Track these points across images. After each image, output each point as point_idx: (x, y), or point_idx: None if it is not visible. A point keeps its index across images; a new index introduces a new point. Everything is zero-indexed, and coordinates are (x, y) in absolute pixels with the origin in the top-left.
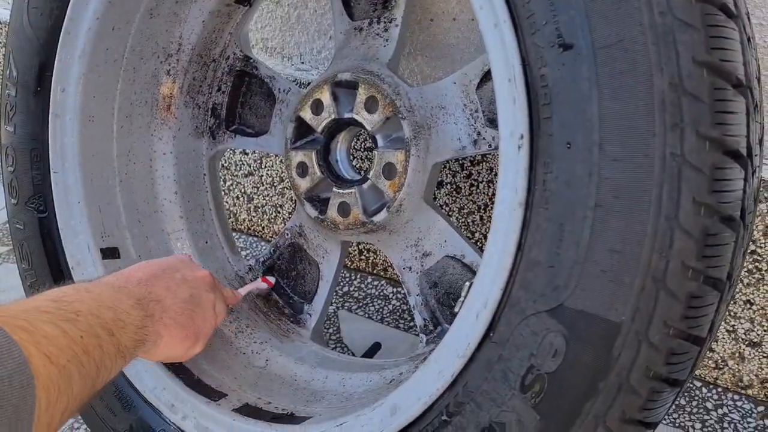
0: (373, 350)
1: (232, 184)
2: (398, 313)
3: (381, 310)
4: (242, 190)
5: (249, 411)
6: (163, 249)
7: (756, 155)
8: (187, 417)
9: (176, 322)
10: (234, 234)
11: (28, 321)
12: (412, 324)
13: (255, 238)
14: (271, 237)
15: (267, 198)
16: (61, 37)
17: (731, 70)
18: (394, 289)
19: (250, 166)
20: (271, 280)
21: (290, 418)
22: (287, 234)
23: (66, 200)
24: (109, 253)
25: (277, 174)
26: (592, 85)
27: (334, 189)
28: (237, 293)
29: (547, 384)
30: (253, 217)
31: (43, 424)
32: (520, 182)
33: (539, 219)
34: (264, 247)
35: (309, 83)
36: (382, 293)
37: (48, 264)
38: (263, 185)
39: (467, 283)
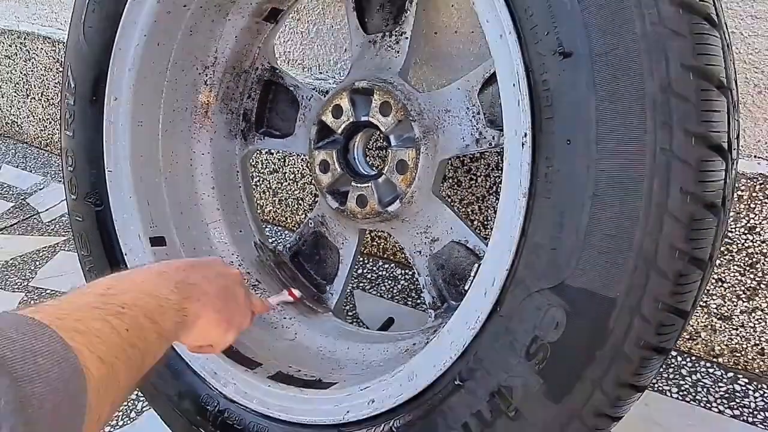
0: (387, 324)
1: (258, 180)
2: (406, 292)
3: (391, 289)
4: (268, 186)
5: (282, 378)
6: (203, 238)
7: (734, 149)
8: (228, 384)
9: (213, 305)
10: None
11: (82, 321)
12: (418, 301)
13: (279, 228)
14: (294, 226)
15: (290, 192)
16: (113, 52)
17: (715, 73)
18: (402, 271)
19: (274, 164)
20: (297, 294)
21: (319, 384)
22: (310, 223)
23: (119, 195)
24: (157, 242)
25: (298, 171)
26: (589, 89)
27: (353, 183)
28: (266, 302)
29: (549, 352)
30: (278, 209)
31: (92, 422)
32: (524, 175)
33: (542, 207)
34: (288, 236)
35: (327, 91)
36: (392, 275)
37: (104, 251)
38: (286, 181)
39: (476, 265)
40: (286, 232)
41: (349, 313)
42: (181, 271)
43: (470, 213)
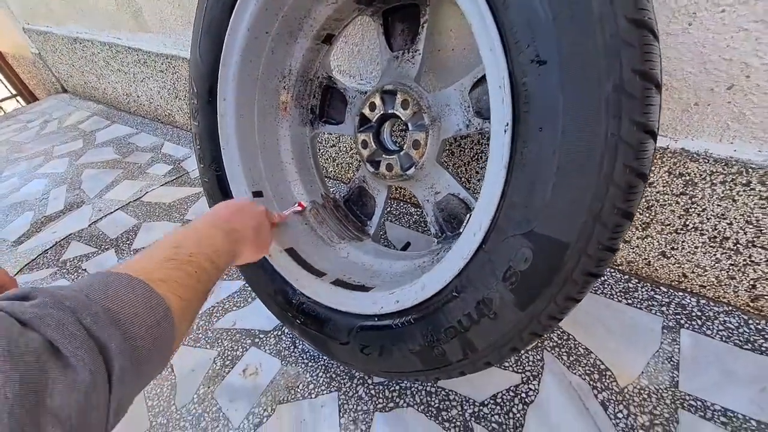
0: (405, 247)
1: (323, 151)
2: (418, 224)
3: (409, 220)
4: (329, 155)
5: (339, 283)
6: (287, 190)
7: (656, 133)
8: (305, 286)
9: (252, 242)
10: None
11: (163, 271)
12: (426, 230)
13: (337, 181)
14: (346, 180)
15: (343, 159)
16: (220, 67)
17: (654, 75)
18: (415, 210)
19: (333, 141)
20: (304, 203)
21: (363, 288)
22: (356, 181)
23: (231, 164)
24: (257, 194)
25: (348, 145)
26: (558, 89)
27: (383, 156)
28: (282, 214)
29: (520, 277)
30: (336, 169)
31: (178, 338)
32: (505, 153)
33: (518, 177)
34: (342, 187)
35: (366, 92)
36: (408, 212)
37: (224, 200)
38: (341, 152)
39: (468, 215)
40: (341, 184)
41: (382, 238)
42: (227, 221)
43: (458, 173)
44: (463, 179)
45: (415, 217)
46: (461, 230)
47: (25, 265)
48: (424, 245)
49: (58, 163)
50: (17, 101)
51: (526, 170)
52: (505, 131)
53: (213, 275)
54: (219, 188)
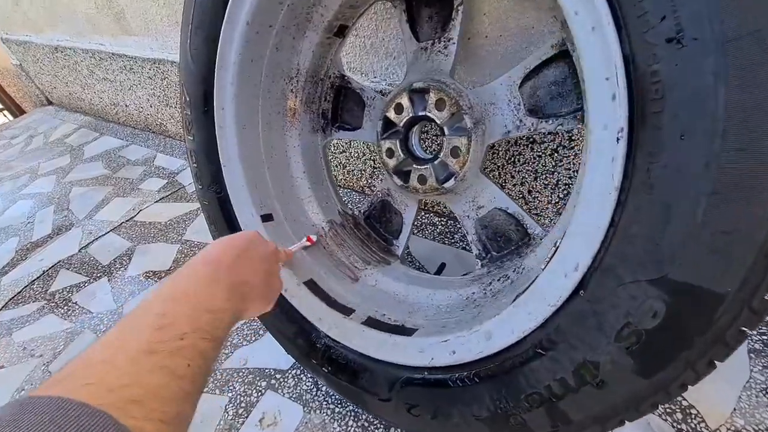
0: (441, 268)
1: (332, 158)
2: (443, 234)
3: (433, 232)
4: (339, 161)
5: (372, 323)
6: (300, 210)
7: None
8: (331, 328)
9: (260, 295)
10: None
11: (137, 381)
12: (453, 240)
13: (348, 190)
14: (358, 189)
15: (354, 166)
16: (216, 70)
17: None
18: (439, 219)
19: (343, 147)
20: (313, 238)
21: (402, 330)
22: (379, 194)
23: (234, 184)
24: (266, 218)
25: (360, 151)
26: (715, 79)
27: (413, 166)
28: (288, 251)
29: (644, 337)
30: (347, 177)
31: None
32: (617, 169)
33: (639, 201)
34: (354, 196)
35: (382, 91)
36: (431, 222)
37: (227, 226)
38: (352, 158)
39: (553, 248)
40: (353, 193)
41: (408, 259)
42: (232, 271)
43: (491, 177)
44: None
45: (439, 228)
46: (543, 267)
47: (10, 299)
48: (452, 257)
49: (44, 182)
50: (4, 115)
51: (654, 193)
52: (618, 140)
53: (211, 356)
54: (221, 212)
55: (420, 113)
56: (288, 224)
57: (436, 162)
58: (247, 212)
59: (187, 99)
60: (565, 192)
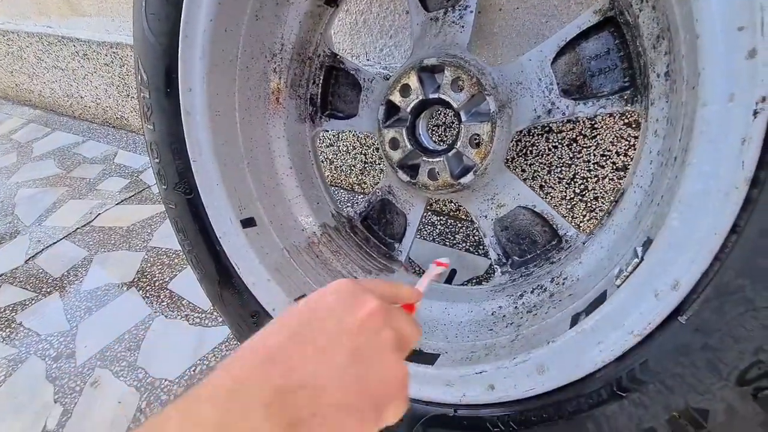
0: (451, 276)
1: (318, 152)
2: (443, 235)
3: (432, 232)
4: (326, 156)
5: None
6: (287, 213)
7: None
8: None
9: (340, 406)
10: None
11: None
12: (455, 241)
13: (335, 188)
14: (347, 187)
15: (343, 161)
16: (180, 41)
17: None
18: (438, 218)
19: (330, 139)
20: (446, 261)
21: (421, 356)
22: (378, 192)
23: (207, 184)
24: (247, 223)
25: (349, 144)
26: None
27: (423, 158)
28: (417, 289)
29: None
30: (334, 173)
31: None
32: (750, 155)
33: None
34: (342, 194)
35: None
36: (429, 221)
37: (200, 235)
38: (340, 152)
39: (635, 259)
40: (341, 190)
41: (413, 265)
42: (275, 366)
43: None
44: None
45: (438, 228)
46: (618, 283)
47: None
48: (455, 261)
49: None
50: None
51: None
52: (755, 114)
53: None
54: (192, 217)
55: (432, 95)
56: (273, 230)
57: (450, 153)
58: (224, 217)
59: (144, 78)
60: (582, 187)
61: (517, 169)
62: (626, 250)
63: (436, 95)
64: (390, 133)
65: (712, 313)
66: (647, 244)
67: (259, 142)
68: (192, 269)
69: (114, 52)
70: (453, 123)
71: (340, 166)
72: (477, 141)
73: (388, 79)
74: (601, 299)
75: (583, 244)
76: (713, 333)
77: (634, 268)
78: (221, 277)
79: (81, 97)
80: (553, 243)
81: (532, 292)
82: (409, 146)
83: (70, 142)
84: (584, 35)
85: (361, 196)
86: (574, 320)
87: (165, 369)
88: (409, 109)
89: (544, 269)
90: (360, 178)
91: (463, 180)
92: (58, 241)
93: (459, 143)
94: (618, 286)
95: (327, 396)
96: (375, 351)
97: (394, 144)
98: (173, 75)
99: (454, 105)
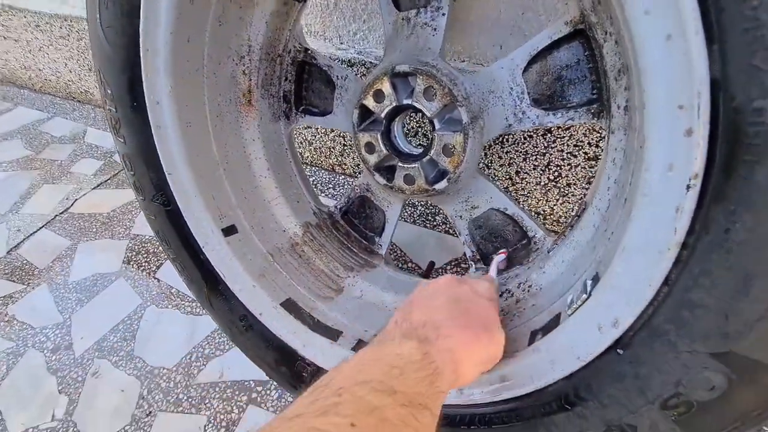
0: (430, 268)
1: (296, 134)
2: (424, 217)
3: (413, 214)
4: (304, 137)
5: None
6: (268, 216)
7: None
8: (317, 355)
9: (456, 326)
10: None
11: None
12: (435, 223)
13: (315, 168)
14: (327, 168)
15: (322, 143)
16: (141, 56)
17: None
18: (419, 201)
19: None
20: (504, 251)
21: None
22: (357, 189)
23: (184, 196)
24: (229, 231)
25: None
26: None
27: (399, 164)
28: (489, 277)
29: (695, 409)
30: (314, 154)
31: None
32: (681, 224)
33: (709, 265)
34: (323, 175)
35: (349, 61)
36: (410, 202)
37: (182, 244)
38: (318, 134)
39: (584, 295)
40: (322, 171)
41: (391, 249)
42: (400, 322)
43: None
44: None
45: (419, 209)
46: (570, 312)
47: None
48: (435, 243)
49: None
50: None
51: (732, 259)
52: (688, 188)
53: (401, 418)
54: (173, 228)
55: (405, 101)
56: (255, 234)
57: (424, 160)
58: (205, 228)
59: (108, 91)
60: (556, 174)
61: (494, 156)
62: (583, 271)
63: (409, 101)
64: (365, 137)
65: (643, 349)
66: (596, 280)
67: (234, 147)
68: (178, 274)
69: (69, 26)
70: (427, 128)
71: (320, 148)
72: (450, 150)
73: (361, 76)
74: (555, 322)
75: (548, 253)
76: (643, 365)
77: (583, 303)
78: (208, 283)
79: (40, 70)
80: (524, 242)
81: (501, 295)
82: (384, 150)
83: (35, 118)
84: (555, 45)
85: (342, 177)
86: (533, 337)
87: (162, 358)
88: (383, 115)
89: (512, 271)
90: (340, 159)
91: (437, 186)
92: (38, 230)
93: (432, 151)
94: (569, 315)
95: (444, 324)
96: (463, 296)
97: (370, 148)
98: (137, 87)
99: (427, 114)
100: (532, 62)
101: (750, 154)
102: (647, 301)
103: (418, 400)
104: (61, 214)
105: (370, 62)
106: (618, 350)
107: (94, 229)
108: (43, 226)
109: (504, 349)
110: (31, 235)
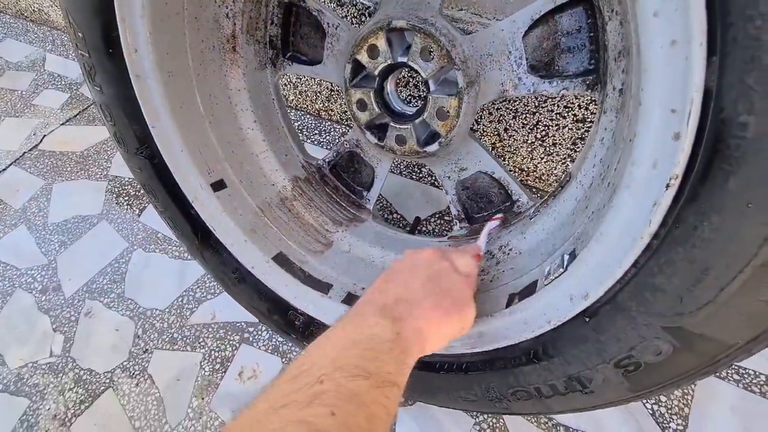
0: (415, 223)
1: (283, 99)
2: (410, 168)
3: (399, 166)
4: (289, 79)
5: (352, 300)
6: (256, 170)
7: None
8: (308, 306)
9: (429, 305)
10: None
11: None
12: (422, 175)
13: (301, 112)
14: (313, 113)
15: (307, 86)
16: None
17: None
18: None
19: None
20: (499, 216)
21: None
22: (346, 144)
23: (170, 150)
24: (218, 186)
25: None
26: None
27: (391, 123)
28: (477, 246)
29: (642, 368)
30: (299, 98)
31: None
32: (656, 217)
33: (675, 255)
34: (309, 120)
35: (349, 18)
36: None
37: (171, 198)
38: (304, 77)
39: (560, 269)
40: (307, 116)
41: (378, 203)
42: (380, 292)
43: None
44: None
45: (406, 161)
46: (546, 282)
47: None
48: (419, 196)
49: None
50: None
51: (695, 253)
52: (667, 186)
53: (375, 400)
54: (160, 182)
55: (401, 59)
56: (245, 189)
57: (417, 121)
58: (194, 182)
59: (80, 35)
60: (544, 133)
61: (484, 112)
62: (561, 243)
63: (405, 59)
64: (357, 93)
65: (607, 319)
66: (573, 256)
67: (220, 97)
68: (168, 228)
69: None
70: (421, 88)
71: (305, 91)
72: (444, 114)
73: (356, 24)
74: (531, 288)
75: (530, 219)
76: (605, 332)
77: (559, 275)
78: (199, 237)
79: None
80: (507, 204)
81: (468, 237)
82: (377, 109)
83: None
84: (559, 9)
85: (328, 123)
86: (510, 300)
87: (153, 300)
88: (377, 72)
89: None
90: (326, 105)
91: (428, 148)
92: (7, 167)
93: (426, 114)
94: (546, 285)
95: (417, 302)
96: (441, 273)
97: (362, 105)
98: (113, 33)
99: (423, 74)
100: (533, 26)
101: (728, 164)
102: (615, 280)
103: (389, 379)
104: (30, 150)
105: (363, 4)
106: (585, 318)
107: (69, 168)
108: (12, 164)
109: (482, 309)
110: (0, 172)
